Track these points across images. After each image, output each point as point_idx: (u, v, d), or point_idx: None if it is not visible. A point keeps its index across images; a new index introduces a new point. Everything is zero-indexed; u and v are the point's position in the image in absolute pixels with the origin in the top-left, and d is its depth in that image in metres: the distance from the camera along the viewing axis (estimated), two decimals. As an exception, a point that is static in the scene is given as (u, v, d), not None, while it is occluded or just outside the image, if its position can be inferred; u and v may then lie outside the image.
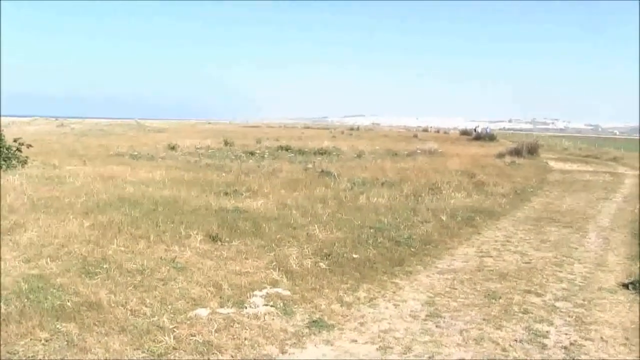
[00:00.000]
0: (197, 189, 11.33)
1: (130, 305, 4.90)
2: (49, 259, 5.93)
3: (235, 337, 4.48)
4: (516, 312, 5.40)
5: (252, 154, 23.07)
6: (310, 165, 17.54)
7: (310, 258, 6.74)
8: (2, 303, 4.67)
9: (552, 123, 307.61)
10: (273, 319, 4.91)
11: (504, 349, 4.53)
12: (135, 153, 21.36)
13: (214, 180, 13.01)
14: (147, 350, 4.12)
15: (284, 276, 6.00)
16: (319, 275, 6.18)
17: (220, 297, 5.27)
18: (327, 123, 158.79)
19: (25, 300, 4.78)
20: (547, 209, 12.24)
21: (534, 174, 19.36)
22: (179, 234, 7.26)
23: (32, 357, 3.92)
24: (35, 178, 11.84)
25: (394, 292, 5.92)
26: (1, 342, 3.92)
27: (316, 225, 8.25)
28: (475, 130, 55.70)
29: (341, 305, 5.40)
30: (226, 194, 10.92)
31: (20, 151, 14.93)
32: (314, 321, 4.94)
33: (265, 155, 22.47)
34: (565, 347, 4.61)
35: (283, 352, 4.32)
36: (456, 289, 6.10)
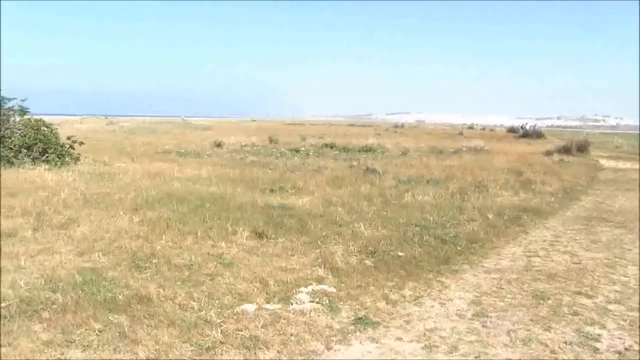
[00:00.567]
0: (243, 185, 11.45)
1: (178, 299, 5.01)
2: (100, 253, 6.10)
3: (281, 332, 4.53)
4: (566, 314, 5.29)
5: (296, 151, 23.16)
6: (355, 163, 17.53)
7: (355, 255, 6.75)
8: (59, 293, 4.84)
9: (603, 120, 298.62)
10: (319, 316, 4.95)
11: (553, 351, 4.45)
12: (182, 150, 21.71)
13: (260, 177, 13.13)
14: (195, 344, 4.21)
15: (329, 273, 6.03)
16: (365, 273, 6.19)
17: (267, 293, 5.33)
18: (371, 120, 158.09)
19: (80, 292, 4.93)
20: (598, 208, 11.95)
21: (583, 173, 18.91)
22: (225, 230, 7.36)
23: (87, 345, 4.05)
24: (87, 174, 12.15)
25: (440, 291, 5.89)
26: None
27: (361, 223, 8.24)
28: (522, 127, 54.64)
29: (387, 303, 5.41)
30: (272, 191, 11.01)
31: (73, 148, 15.39)
32: (359, 318, 4.96)
33: (310, 153, 22.53)
34: (619, 352, 4.49)
35: (328, 349, 4.35)
36: (503, 288, 6.02)
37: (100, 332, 4.28)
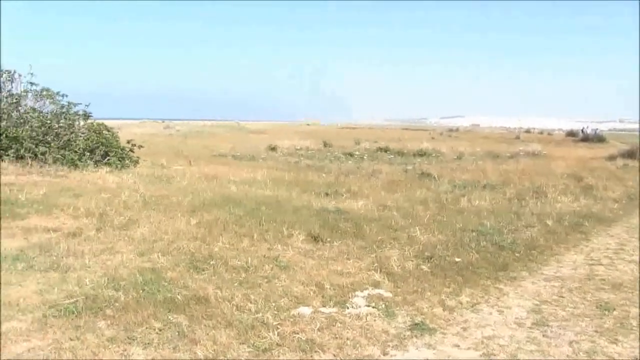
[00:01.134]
0: (298, 189, 11.54)
1: (235, 300, 5.07)
2: (160, 254, 6.23)
3: (337, 336, 4.53)
4: (634, 327, 5.05)
5: (351, 155, 23.20)
6: (409, 167, 17.43)
7: (411, 260, 6.70)
8: (121, 292, 4.98)
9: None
10: (375, 320, 4.92)
11: (621, 366, 4.29)
12: (237, 154, 22.04)
13: (315, 180, 13.21)
14: (253, 345, 4.25)
15: (385, 278, 6.00)
16: (421, 278, 6.13)
17: (323, 297, 5.34)
18: (425, 124, 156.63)
19: (141, 291, 5.06)
20: (666, 215, 11.48)
21: (650, 178, 18.20)
22: (281, 233, 7.42)
23: (148, 343, 4.15)
24: (146, 177, 12.46)
25: (498, 298, 5.77)
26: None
27: (417, 228, 8.18)
28: (582, 131, 53.12)
29: (443, 309, 5.33)
30: (327, 194, 11.05)
31: (133, 152, 15.83)
32: (415, 324, 4.91)
33: (364, 157, 22.53)
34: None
35: (385, 354, 4.32)
36: (564, 297, 5.85)
37: (160, 331, 4.37)
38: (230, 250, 6.59)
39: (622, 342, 4.70)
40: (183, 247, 6.55)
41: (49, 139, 13.78)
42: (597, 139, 44.64)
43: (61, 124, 14.59)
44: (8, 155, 12.71)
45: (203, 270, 5.84)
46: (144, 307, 4.71)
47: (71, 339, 4.09)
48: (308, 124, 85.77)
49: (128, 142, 15.99)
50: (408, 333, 4.72)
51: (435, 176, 14.59)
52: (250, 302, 5.05)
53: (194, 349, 4.13)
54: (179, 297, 5.01)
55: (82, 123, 15.22)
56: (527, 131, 74.95)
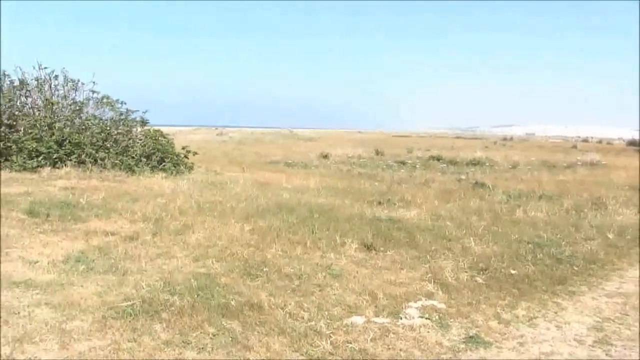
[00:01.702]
0: (350, 197, 11.51)
1: (288, 308, 5.07)
2: (214, 260, 6.31)
3: (390, 347, 4.47)
4: None
5: (403, 163, 23.05)
6: (463, 176, 17.18)
7: (465, 271, 6.57)
8: (176, 296, 5.06)
9: None
10: (428, 332, 4.84)
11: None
12: (289, 161, 22.18)
13: (367, 189, 13.16)
14: (305, 354, 4.23)
15: (439, 289, 5.89)
16: (475, 290, 6.00)
17: (376, 306, 5.29)
18: (478, 133, 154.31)
19: (195, 296, 5.12)
20: None
21: None
22: (334, 241, 7.41)
23: (202, 348, 4.19)
24: (201, 183, 12.67)
25: (556, 313, 5.58)
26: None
27: (471, 238, 8.03)
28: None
29: (499, 322, 5.20)
30: (379, 203, 10.98)
31: (187, 158, 16.17)
32: (470, 337, 4.80)
33: (417, 165, 22.33)
34: None
35: (439, 367, 4.24)
36: (629, 315, 5.59)
37: (214, 336, 4.41)
38: (283, 258, 6.61)
39: (691, 364, 4.48)
40: (237, 253, 6.62)
41: (108, 145, 14.25)
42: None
43: (120, 130, 15.09)
44: (70, 159, 13.19)
45: (256, 276, 5.88)
46: (199, 311, 4.76)
47: (129, 341, 4.18)
48: (359, 132, 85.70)
49: (183, 148, 16.35)
50: (462, 346, 4.62)
51: (490, 186, 14.32)
52: (303, 310, 5.05)
53: (247, 355, 4.14)
54: (232, 302, 5.05)
55: (139, 129, 15.70)
56: (585, 140, 72.85)
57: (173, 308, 4.82)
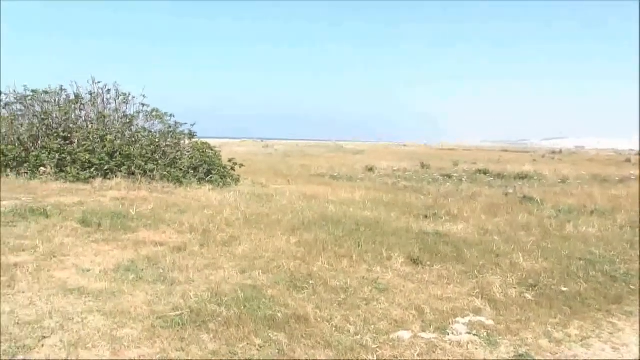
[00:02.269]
0: (396, 210, 11.43)
1: (335, 321, 5.05)
2: (260, 272, 6.34)
3: (438, 363, 4.40)
4: None
5: (449, 177, 22.81)
6: (510, 190, 16.86)
7: (514, 287, 6.42)
8: (223, 307, 5.10)
9: None
10: (476, 349, 4.75)
11: None
12: (335, 174, 22.21)
13: (413, 202, 13.05)
14: (352, 367, 4.21)
15: (487, 304, 5.78)
16: (525, 307, 5.85)
17: (422, 321, 5.21)
18: (526, 146, 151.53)
19: (242, 307, 5.15)
20: None
21: None
22: (380, 255, 7.36)
23: (248, 359, 4.21)
24: (247, 195, 12.78)
25: (611, 334, 5.39)
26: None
27: (520, 254, 7.85)
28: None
29: (549, 341, 5.05)
30: (426, 217, 10.87)
31: (234, 170, 16.38)
32: (520, 355, 4.68)
33: (463, 179, 22.06)
34: None
35: (488, 385, 4.15)
36: (691, 339, 5.37)
37: (260, 347, 4.42)
38: (330, 271, 6.60)
39: None
40: (283, 266, 6.63)
41: (157, 157, 14.54)
42: None
43: (168, 143, 15.40)
44: (121, 171, 13.51)
45: (302, 289, 5.87)
46: (245, 323, 4.78)
47: (177, 350, 4.23)
48: (405, 145, 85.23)
49: (229, 160, 16.58)
50: (512, 364, 4.52)
51: (538, 200, 14.01)
52: (350, 324, 5.02)
53: (294, 368, 4.14)
54: (279, 315, 5.06)
55: (187, 142, 15.99)
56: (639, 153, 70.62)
57: (220, 319, 4.85)
